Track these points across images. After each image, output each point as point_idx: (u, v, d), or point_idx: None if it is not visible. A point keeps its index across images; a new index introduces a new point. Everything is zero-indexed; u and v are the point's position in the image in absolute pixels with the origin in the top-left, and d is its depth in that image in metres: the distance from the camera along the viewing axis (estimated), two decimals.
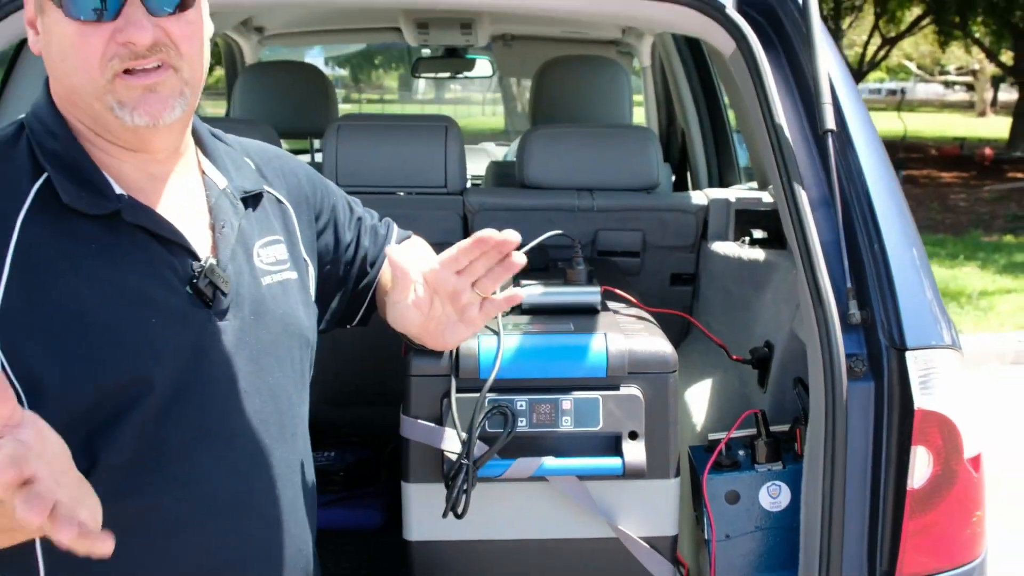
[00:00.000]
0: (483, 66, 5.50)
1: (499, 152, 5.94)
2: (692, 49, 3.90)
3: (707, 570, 2.06)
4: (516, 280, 2.13)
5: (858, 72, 27.40)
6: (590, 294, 2.09)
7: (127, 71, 1.38)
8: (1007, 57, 26.86)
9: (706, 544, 2.04)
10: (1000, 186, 16.33)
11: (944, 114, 39.87)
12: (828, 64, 1.94)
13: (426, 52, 5.57)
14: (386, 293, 1.78)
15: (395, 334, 1.74)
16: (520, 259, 1.55)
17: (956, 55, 36.73)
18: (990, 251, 10.38)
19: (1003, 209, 14.00)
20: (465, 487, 1.81)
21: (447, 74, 5.72)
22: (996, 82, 39.97)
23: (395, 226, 1.94)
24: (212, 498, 1.48)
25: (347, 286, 1.84)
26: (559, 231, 2.15)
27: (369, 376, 1.73)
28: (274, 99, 3.52)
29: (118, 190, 1.44)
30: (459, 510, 1.82)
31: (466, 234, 2.74)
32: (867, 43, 27.55)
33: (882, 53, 28.01)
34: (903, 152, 18.66)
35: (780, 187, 1.92)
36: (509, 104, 9.61)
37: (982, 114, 39.52)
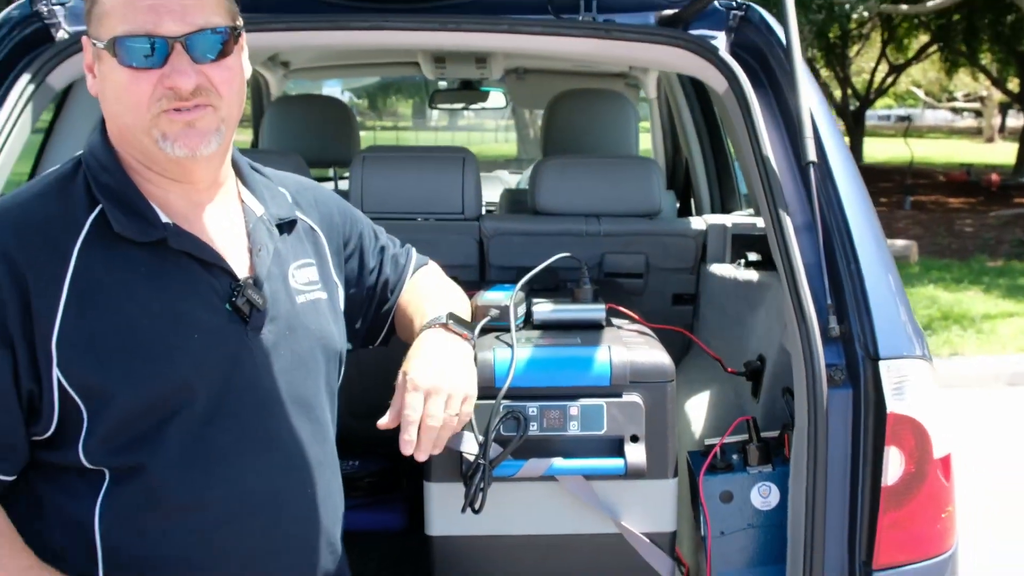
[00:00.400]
0: (497, 97, 5.72)
1: (512, 180, 6.16)
2: (695, 84, 4.10)
3: (704, 565, 2.24)
4: (529, 298, 2.32)
5: (865, 99, 27.59)
6: (596, 311, 2.27)
7: (173, 109, 1.57)
8: (1014, 84, 26.98)
9: (703, 541, 2.21)
10: (1006, 212, 16.46)
11: (952, 140, 39.98)
12: (810, 101, 2.13)
13: (442, 84, 5.80)
14: (405, 318, 1.98)
15: None
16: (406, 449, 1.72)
17: (964, 82, 36.86)
18: (995, 275, 10.52)
19: (1008, 234, 14.14)
20: (482, 485, 1.99)
21: (462, 105, 5.95)
22: (1004, 108, 40.11)
23: (414, 253, 2.13)
24: (250, 495, 1.65)
25: (370, 309, 2.02)
26: (567, 254, 2.34)
27: (390, 392, 1.91)
28: (301, 130, 3.72)
29: (164, 219, 1.62)
30: (476, 506, 2.00)
31: (482, 257, 2.94)
32: (874, 70, 27.70)
33: (890, 80, 28.17)
34: (911, 178, 18.75)
35: (767, 213, 2.11)
36: (522, 131, 9.84)
37: (990, 140, 39.63)
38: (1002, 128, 42.03)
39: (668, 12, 2.43)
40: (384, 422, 1.75)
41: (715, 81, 2.33)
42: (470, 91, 5.38)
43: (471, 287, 2.30)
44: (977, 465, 5.24)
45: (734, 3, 2.44)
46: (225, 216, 1.72)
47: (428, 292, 2.04)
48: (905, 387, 1.93)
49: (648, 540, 2.13)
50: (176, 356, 1.58)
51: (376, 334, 2.07)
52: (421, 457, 1.72)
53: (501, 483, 2.03)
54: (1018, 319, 8.57)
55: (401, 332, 2.04)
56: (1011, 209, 16.81)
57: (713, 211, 4.01)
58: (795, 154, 2.17)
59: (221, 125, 1.62)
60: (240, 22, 1.66)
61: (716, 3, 2.42)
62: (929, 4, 16.25)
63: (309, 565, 1.76)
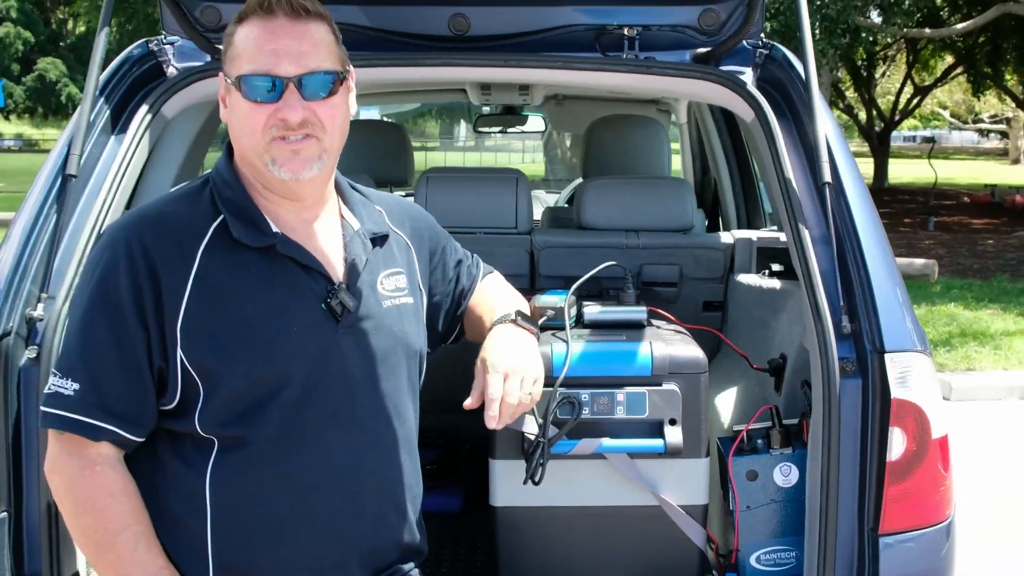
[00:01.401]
0: (536, 121, 6.05)
1: (549, 199, 6.47)
2: (724, 111, 4.42)
3: (732, 537, 2.54)
4: (579, 302, 2.63)
5: (891, 120, 27.75)
6: (638, 312, 2.59)
7: (282, 137, 1.87)
8: None
9: (731, 515, 2.52)
10: None
11: (978, 161, 39.93)
12: (826, 128, 2.44)
13: (485, 108, 6.12)
14: (475, 317, 2.28)
15: (468, 356, 2.20)
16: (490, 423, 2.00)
17: (990, 103, 36.94)
18: (1015, 295, 10.71)
19: None
20: (542, 461, 2.31)
21: (503, 128, 6.28)
22: None
23: (482, 264, 2.41)
24: (336, 470, 1.92)
25: (449, 312, 2.31)
26: (613, 263, 2.66)
27: (443, 390, 2.17)
28: (365, 152, 4.05)
29: (275, 228, 1.91)
30: (536, 479, 2.32)
31: (533, 267, 3.26)
32: (900, 91, 27.86)
33: (915, 101, 28.30)
34: (935, 199, 18.92)
35: (788, 227, 2.42)
36: (551, 153, 10.14)
37: (1016, 161, 39.61)
38: None
39: (702, 51, 2.76)
40: (469, 403, 2.04)
41: (742, 111, 2.65)
42: (512, 115, 5.70)
43: (525, 293, 2.62)
44: (984, 475, 5.48)
45: (760, 43, 2.77)
46: (326, 229, 2.00)
47: (495, 296, 2.33)
48: (907, 376, 2.22)
49: (684, 512, 2.44)
50: (277, 346, 1.87)
51: (451, 334, 2.35)
52: (499, 427, 2.01)
53: (557, 460, 2.34)
54: None
55: (470, 330, 2.33)
56: None
57: (740, 227, 4.31)
58: (813, 175, 2.47)
59: (323, 154, 1.91)
60: (349, 67, 1.97)
61: (744, 43, 2.75)
62: (956, 27, 16.46)
63: (386, 534, 2.01)
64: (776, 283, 3.03)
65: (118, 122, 2.62)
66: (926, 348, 2.29)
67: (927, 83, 27.63)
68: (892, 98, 28.71)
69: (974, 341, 8.32)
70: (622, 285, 2.72)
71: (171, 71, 2.72)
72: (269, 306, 1.87)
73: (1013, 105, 31.65)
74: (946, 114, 40.11)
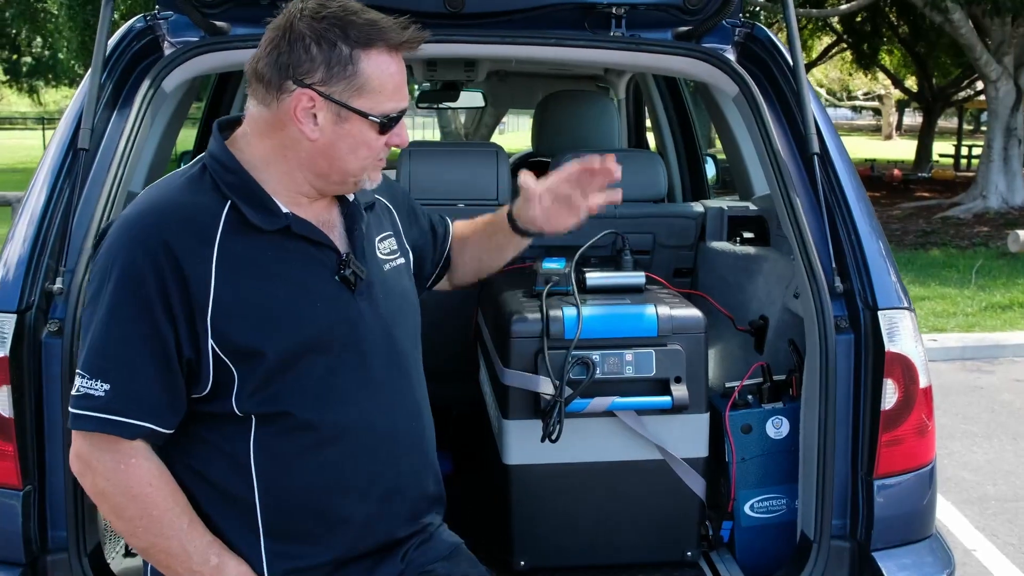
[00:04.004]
0: (475, 98, 6.13)
1: None
2: (669, 86, 4.59)
3: (725, 488, 2.71)
4: (581, 271, 2.73)
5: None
6: (637, 278, 2.72)
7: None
8: (911, 83, 28.19)
9: (727, 466, 2.68)
10: (909, 204, 17.37)
11: (853, 137, 41.29)
12: (812, 103, 2.61)
13: (426, 85, 6.17)
14: (466, 241, 2.38)
15: (450, 326, 2.27)
16: (615, 170, 2.20)
17: (863, 81, 38.25)
18: (902, 264, 11.22)
19: (913, 225, 14.99)
20: (559, 419, 2.42)
21: (443, 104, 6.34)
22: (901, 107, 41.67)
23: (451, 222, 2.46)
24: (372, 431, 1.98)
25: (432, 260, 2.38)
26: (612, 231, 2.79)
27: (428, 358, 2.24)
28: None
29: (284, 209, 1.94)
30: (554, 437, 2.43)
31: None
32: None
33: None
34: None
35: (779, 196, 2.57)
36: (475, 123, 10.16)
37: (888, 137, 41.17)
38: (899, 126, 43.66)
39: (683, 29, 2.89)
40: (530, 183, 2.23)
41: (726, 86, 2.79)
42: (453, 91, 5.76)
43: (515, 262, 2.68)
44: None
45: (739, 22, 2.92)
46: (325, 202, 2.05)
47: (473, 220, 2.44)
48: (896, 331, 2.41)
49: (687, 464, 2.59)
50: (305, 320, 1.91)
51: (433, 280, 2.42)
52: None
53: (569, 418, 2.46)
54: (926, 302, 9.30)
55: (468, 252, 2.42)
56: (913, 202, 17.73)
57: (685, 199, 4.49)
58: (798, 147, 2.63)
59: None
60: None
61: (724, 22, 2.89)
62: (842, 8, 17.01)
63: (421, 492, 2.09)
64: (750, 249, 3.20)
65: (120, 96, 2.63)
66: (911, 305, 2.47)
67: (806, 62, 28.46)
68: None
69: None
70: (602, 253, 2.84)
71: (166, 46, 2.74)
72: (290, 283, 1.91)
73: (886, 84, 32.86)
74: (823, 92, 41.40)
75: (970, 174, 21.45)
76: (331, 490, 1.94)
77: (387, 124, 1.90)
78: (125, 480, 1.84)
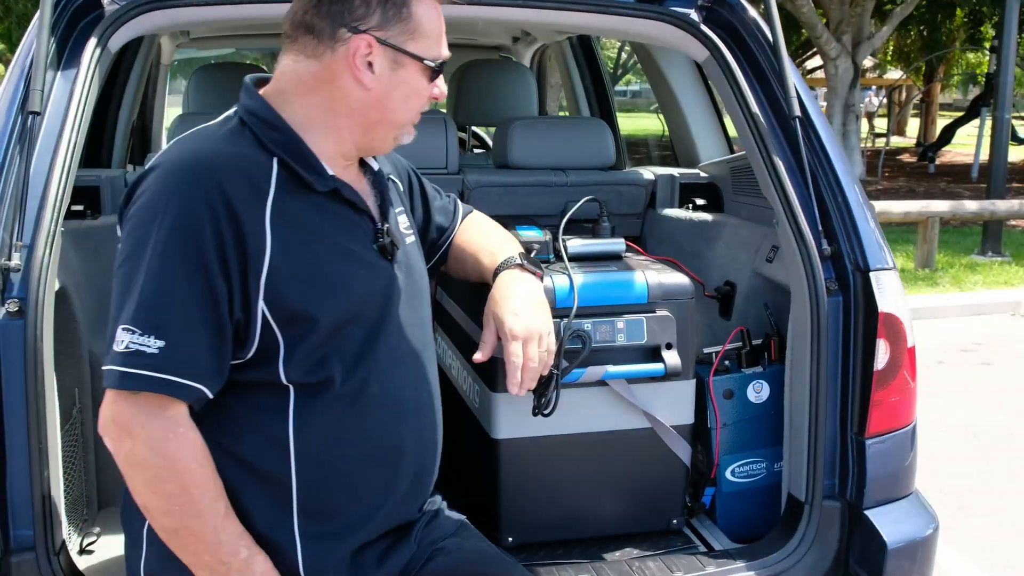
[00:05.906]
0: None
1: None
2: (586, 53, 4.55)
3: (708, 453, 2.69)
4: (556, 237, 2.66)
5: (613, 76, 29.02)
6: (617, 244, 2.67)
7: None
8: None
9: (710, 432, 2.67)
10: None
11: None
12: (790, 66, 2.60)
13: None
14: (466, 254, 2.28)
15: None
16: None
17: None
18: None
19: None
20: (556, 391, 2.35)
21: None
22: None
23: (460, 204, 2.40)
24: (404, 405, 1.93)
25: (427, 244, 2.30)
26: (591, 197, 2.72)
27: None
28: (229, 96, 3.87)
29: (330, 171, 1.85)
30: (548, 411, 2.36)
31: None
32: (620, 48, 29.15)
33: (635, 58, 29.66)
34: (659, 150, 19.91)
35: (760, 159, 2.56)
36: None
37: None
38: None
39: None
40: (479, 357, 2.06)
41: (695, 51, 2.76)
42: None
43: None
44: None
45: None
46: (357, 172, 1.98)
47: (487, 234, 2.33)
48: (885, 292, 2.43)
49: (675, 432, 2.56)
50: (352, 286, 1.83)
51: (433, 270, 2.33)
52: (522, 393, 2.04)
53: (562, 388, 2.38)
54: None
55: (458, 267, 2.33)
56: None
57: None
58: (772, 110, 2.62)
59: None
60: None
61: None
62: None
63: (435, 463, 2.05)
64: (707, 216, 3.19)
65: (62, 55, 2.41)
66: (895, 265, 2.50)
67: None
68: (613, 54, 29.86)
69: None
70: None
71: (108, 3, 2.52)
72: (337, 247, 1.83)
73: None
74: None
75: None
76: (366, 467, 1.87)
77: (438, 70, 1.84)
78: (173, 451, 1.70)
